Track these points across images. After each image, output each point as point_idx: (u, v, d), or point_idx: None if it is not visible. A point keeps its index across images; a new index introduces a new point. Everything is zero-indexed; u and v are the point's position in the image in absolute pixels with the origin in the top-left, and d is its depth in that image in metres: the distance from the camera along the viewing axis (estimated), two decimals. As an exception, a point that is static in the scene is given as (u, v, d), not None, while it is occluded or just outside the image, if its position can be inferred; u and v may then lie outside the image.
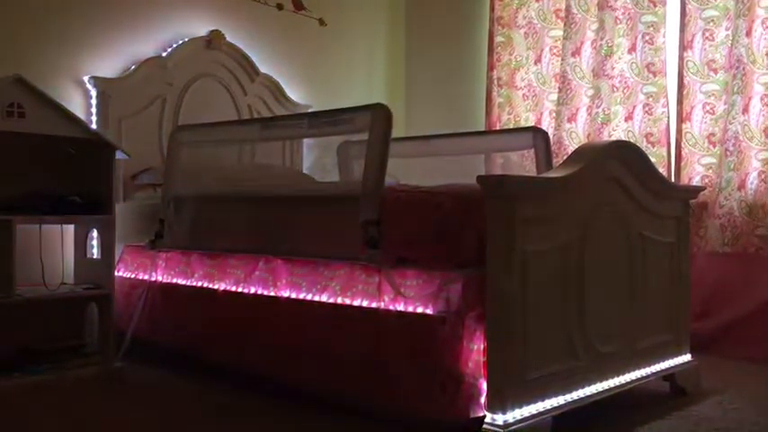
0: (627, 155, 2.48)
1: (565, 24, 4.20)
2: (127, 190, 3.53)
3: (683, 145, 3.73)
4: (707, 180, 3.66)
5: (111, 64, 3.60)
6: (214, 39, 3.93)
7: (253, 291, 2.73)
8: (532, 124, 4.28)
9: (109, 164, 3.02)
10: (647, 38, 3.90)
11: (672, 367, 2.68)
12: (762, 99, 3.50)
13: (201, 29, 3.93)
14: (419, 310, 2.19)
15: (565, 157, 3.04)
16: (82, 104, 3.47)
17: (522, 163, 3.98)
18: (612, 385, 2.38)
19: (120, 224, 3.07)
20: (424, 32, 5.07)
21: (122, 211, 3.24)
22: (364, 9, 4.92)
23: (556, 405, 2.14)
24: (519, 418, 2.02)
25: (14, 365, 2.79)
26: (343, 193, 2.78)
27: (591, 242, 2.29)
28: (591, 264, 2.29)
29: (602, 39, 4.02)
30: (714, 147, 3.66)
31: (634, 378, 2.48)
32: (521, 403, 2.04)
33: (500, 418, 1.99)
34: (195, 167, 3.29)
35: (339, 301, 2.43)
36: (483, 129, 4.54)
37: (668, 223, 2.70)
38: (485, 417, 2.02)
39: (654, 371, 2.59)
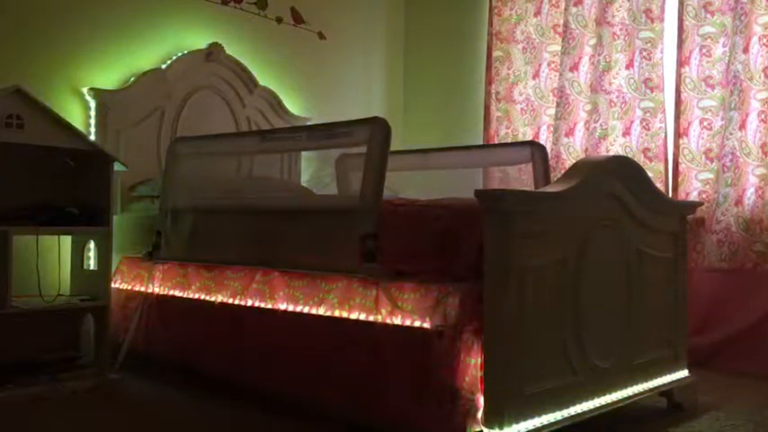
0: (624, 170, 2.48)
1: (563, 40, 4.22)
2: (124, 201, 3.52)
3: (680, 160, 3.74)
4: (704, 195, 3.66)
5: (110, 75, 3.61)
6: (214, 51, 3.94)
7: (250, 303, 2.73)
8: (530, 139, 4.30)
9: (107, 175, 3.02)
10: (644, 53, 3.92)
11: (669, 383, 2.67)
12: (759, 115, 3.51)
13: (201, 41, 3.94)
14: (416, 323, 2.18)
15: (562, 172, 3.05)
16: (81, 116, 3.47)
17: (520, 177, 3.99)
18: (610, 401, 2.37)
19: (117, 236, 3.07)
20: (422, 46, 5.09)
21: (120, 223, 3.24)
22: (363, 23, 4.95)
23: (553, 420, 2.13)
24: (516, 433, 2.02)
25: (10, 377, 2.78)
26: (341, 206, 2.78)
27: (588, 257, 2.29)
28: (588, 279, 2.29)
29: (599, 54, 4.04)
30: (711, 162, 3.67)
31: (631, 394, 2.48)
32: (518, 418, 2.03)
33: (497, 434, 1.98)
34: (193, 179, 3.29)
35: (336, 314, 2.42)
36: (481, 143, 4.55)
37: (665, 239, 2.70)
38: (481, 432, 2.02)
39: (651, 386, 2.58)
